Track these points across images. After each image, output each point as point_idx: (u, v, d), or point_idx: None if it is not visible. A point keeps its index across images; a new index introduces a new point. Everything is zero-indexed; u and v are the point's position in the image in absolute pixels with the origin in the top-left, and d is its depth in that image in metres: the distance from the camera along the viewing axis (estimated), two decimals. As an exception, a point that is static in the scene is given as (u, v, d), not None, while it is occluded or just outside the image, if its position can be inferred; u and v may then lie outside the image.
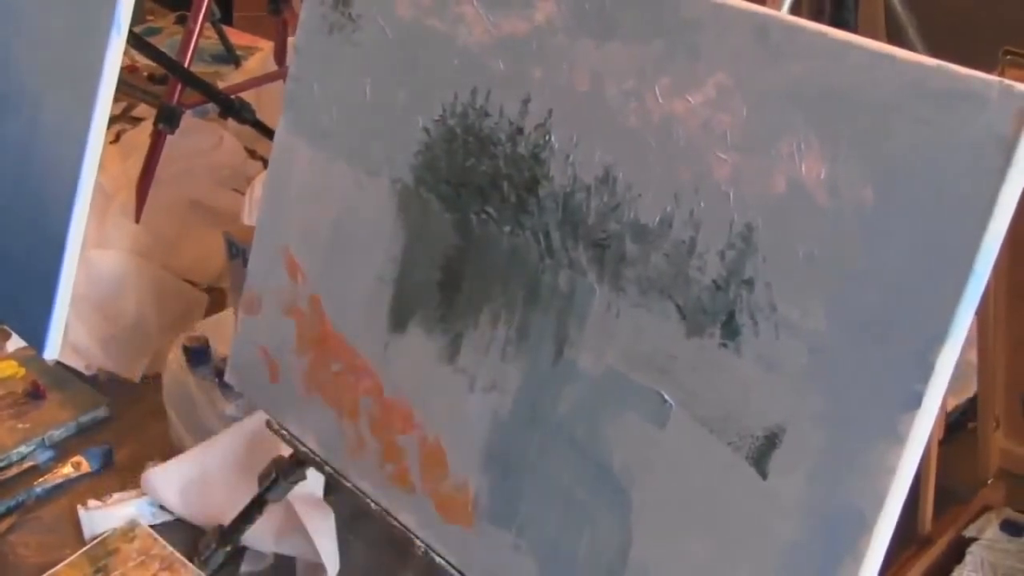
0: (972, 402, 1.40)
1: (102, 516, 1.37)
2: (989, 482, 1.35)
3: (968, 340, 0.68)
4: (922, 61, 0.67)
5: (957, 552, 1.27)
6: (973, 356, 1.28)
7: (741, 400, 0.76)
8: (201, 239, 1.86)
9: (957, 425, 1.46)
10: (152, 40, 2.39)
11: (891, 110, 0.68)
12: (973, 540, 1.27)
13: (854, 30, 1.53)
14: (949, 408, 1.43)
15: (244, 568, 1.34)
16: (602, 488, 0.85)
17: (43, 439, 1.52)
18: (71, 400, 1.59)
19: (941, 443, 1.23)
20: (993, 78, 0.64)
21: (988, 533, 1.28)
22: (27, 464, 1.48)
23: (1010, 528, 1.29)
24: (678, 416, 0.80)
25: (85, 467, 1.48)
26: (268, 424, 1.18)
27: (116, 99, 1.20)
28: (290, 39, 2.21)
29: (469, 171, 0.94)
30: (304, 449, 1.13)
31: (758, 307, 0.75)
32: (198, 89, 1.92)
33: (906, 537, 1.26)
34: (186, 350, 1.44)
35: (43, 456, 1.50)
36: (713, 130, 0.77)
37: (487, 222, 0.93)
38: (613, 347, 0.84)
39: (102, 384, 1.64)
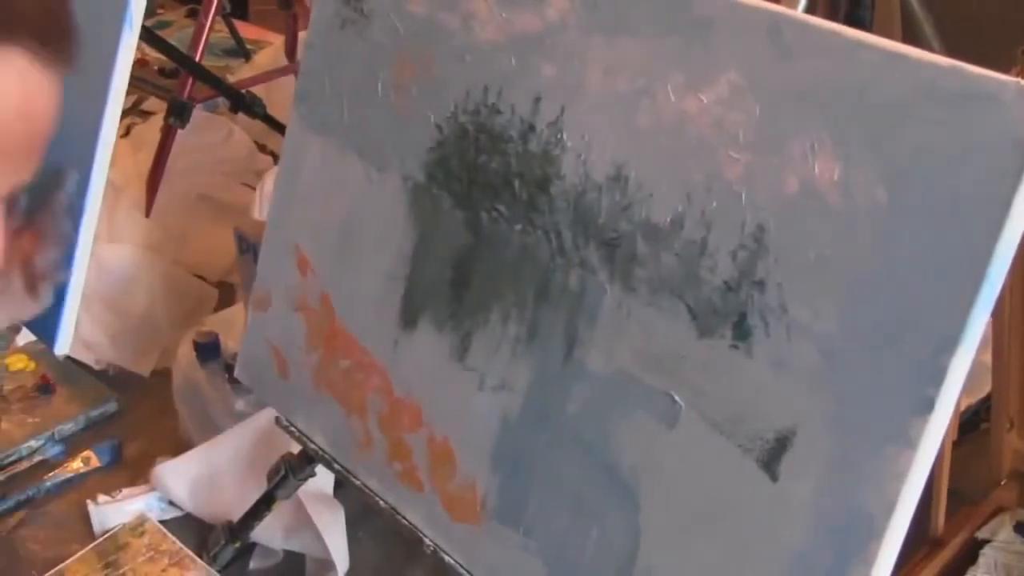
0: (985, 402, 1.39)
1: (111, 511, 1.37)
2: (1002, 483, 1.34)
3: (982, 340, 0.67)
4: (936, 61, 0.66)
5: (970, 554, 1.26)
6: (987, 356, 1.27)
7: (752, 402, 0.76)
8: (211, 233, 1.86)
9: (970, 425, 1.45)
10: (163, 33, 2.39)
11: (904, 111, 0.67)
12: (986, 542, 1.27)
13: (870, 28, 1.52)
14: (962, 408, 1.42)
15: (254, 564, 1.34)
16: (611, 489, 0.85)
17: (52, 433, 1.52)
18: (81, 395, 1.59)
19: (954, 444, 1.22)
20: (1008, 79, 0.63)
21: (1001, 535, 1.27)
22: (36, 459, 1.49)
23: None
24: (688, 417, 0.79)
25: (95, 462, 1.48)
26: (277, 420, 1.18)
27: (127, 93, 1.19)
28: (301, 33, 2.20)
29: (481, 168, 0.94)
30: (312, 446, 1.13)
31: (769, 308, 0.74)
32: (209, 83, 1.92)
33: (918, 539, 1.26)
34: (196, 345, 1.43)
35: (52, 451, 1.50)
36: (725, 129, 0.76)
37: (498, 220, 0.92)
38: (623, 347, 0.84)
39: (112, 379, 1.64)
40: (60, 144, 1.21)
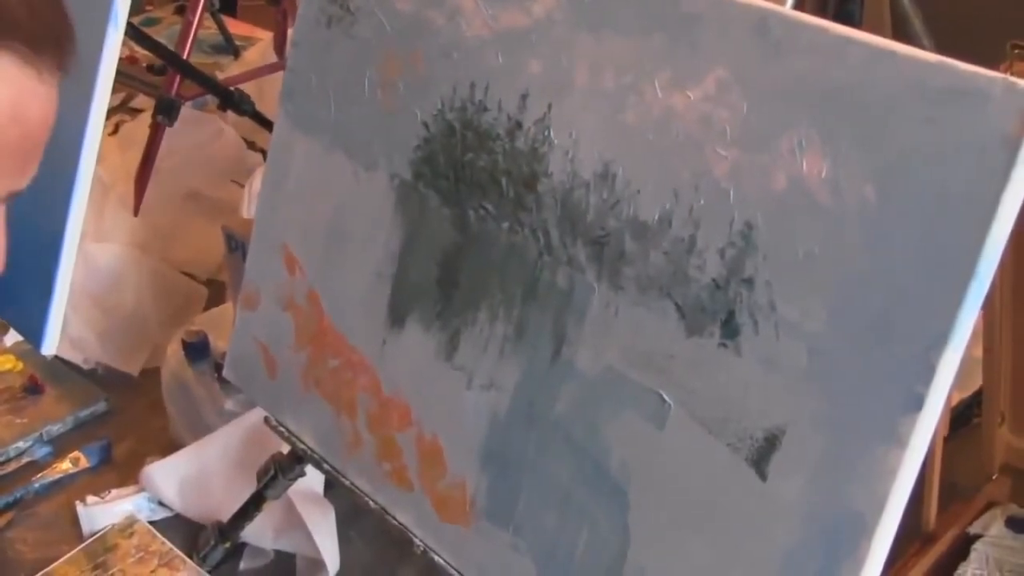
0: (977, 396, 1.39)
1: (100, 512, 1.36)
2: (994, 478, 1.34)
3: (973, 334, 0.66)
4: (924, 57, 0.66)
5: (962, 549, 1.26)
6: (977, 351, 1.27)
7: (741, 401, 0.75)
8: (200, 232, 1.85)
9: (961, 419, 1.45)
10: (151, 30, 2.38)
11: (893, 107, 0.67)
12: (978, 537, 1.26)
13: (859, 23, 1.52)
14: (953, 402, 1.41)
15: (244, 564, 1.33)
16: (600, 488, 0.85)
17: (41, 434, 1.51)
18: (69, 395, 1.58)
19: (945, 438, 1.22)
20: (996, 74, 0.63)
21: (993, 529, 1.27)
22: (25, 459, 1.48)
23: (1015, 524, 1.28)
24: (677, 416, 0.79)
25: (83, 462, 1.48)
26: (266, 420, 1.17)
27: (115, 90, 1.19)
28: (290, 29, 2.19)
29: (468, 166, 0.93)
30: (302, 446, 1.12)
31: (758, 306, 0.74)
32: (197, 81, 1.91)
33: (910, 534, 1.25)
34: (185, 345, 1.43)
35: (41, 451, 1.49)
36: (713, 126, 0.76)
37: (485, 218, 0.92)
38: (612, 346, 0.83)
39: (101, 378, 1.63)
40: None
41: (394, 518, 1.02)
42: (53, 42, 0.64)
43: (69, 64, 0.65)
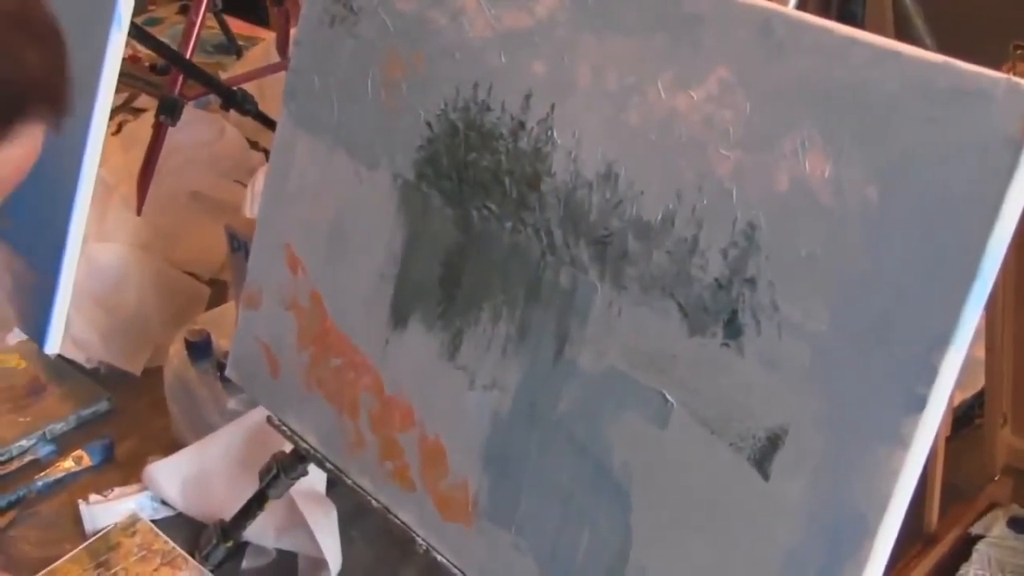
0: (979, 397, 1.39)
1: (103, 511, 1.36)
2: (996, 479, 1.34)
3: (975, 335, 0.66)
4: (927, 58, 0.66)
5: (964, 549, 1.26)
6: (980, 352, 1.27)
7: (743, 401, 0.75)
8: (203, 231, 1.85)
9: (964, 420, 1.45)
10: (153, 30, 2.39)
11: (896, 107, 0.67)
12: (980, 537, 1.27)
13: (862, 23, 1.52)
14: (955, 403, 1.42)
15: (246, 563, 1.33)
16: (602, 488, 0.85)
17: (44, 433, 1.51)
18: (72, 393, 1.58)
19: (948, 439, 1.22)
20: (999, 75, 0.63)
21: (995, 530, 1.27)
22: (28, 458, 1.48)
23: (1017, 525, 1.28)
24: (679, 416, 0.79)
25: (86, 461, 1.48)
26: (269, 420, 1.17)
27: (117, 90, 1.19)
28: (292, 29, 2.19)
29: (471, 166, 0.93)
30: (304, 445, 1.12)
31: (760, 306, 0.74)
32: (200, 81, 1.91)
33: (912, 534, 1.25)
34: (188, 344, 1.43)
35: (44, 450, 1.49)
36: (716, 126, 0.76)
37: (488, 218, 0.92)
38: (614, 345, 0.83)
39: (103, 377, 1.63)
40: (48, 144, 1.21)
41: (396, 517, 1.03)
42: (65, 101, 0.68)
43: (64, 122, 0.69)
